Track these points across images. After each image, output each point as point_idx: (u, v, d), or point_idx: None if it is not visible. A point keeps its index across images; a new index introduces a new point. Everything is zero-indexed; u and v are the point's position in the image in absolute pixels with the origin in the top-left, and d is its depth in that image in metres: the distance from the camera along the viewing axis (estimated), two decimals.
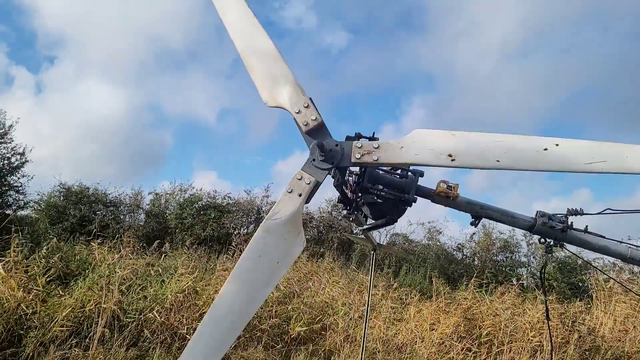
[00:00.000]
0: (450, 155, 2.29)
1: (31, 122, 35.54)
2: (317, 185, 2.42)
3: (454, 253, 19.55)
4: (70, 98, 39.94)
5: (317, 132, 2.46)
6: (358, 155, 2.39)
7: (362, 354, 5.50)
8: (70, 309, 6.84)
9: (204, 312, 7.86)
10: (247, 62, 2.57)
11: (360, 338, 7.81)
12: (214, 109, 48.43)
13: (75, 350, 6.43)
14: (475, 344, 8.66)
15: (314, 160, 2.41)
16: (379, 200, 2.86)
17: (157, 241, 11.97)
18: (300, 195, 2.37)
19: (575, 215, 2.75)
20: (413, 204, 2.78)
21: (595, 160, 2.20)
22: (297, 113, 2.44)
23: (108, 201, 18.27)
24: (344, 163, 2.43)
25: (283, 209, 2.35)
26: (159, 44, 45.32)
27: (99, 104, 40.16)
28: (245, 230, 18.83)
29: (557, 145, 2.25)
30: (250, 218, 19.19)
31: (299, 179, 2.39)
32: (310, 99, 2.47)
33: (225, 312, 2.25)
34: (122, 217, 18.44)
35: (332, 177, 2.60)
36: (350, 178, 2.90)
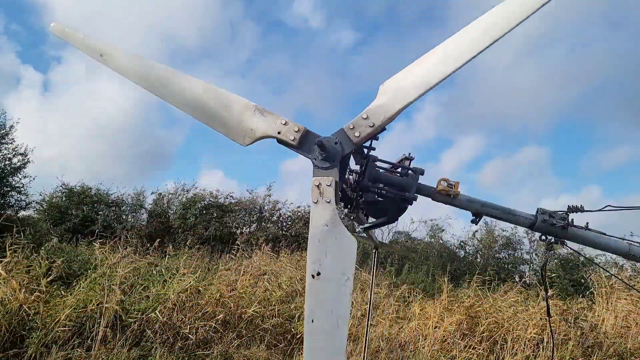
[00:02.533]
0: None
1: (39, 121, 35.66)
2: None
3: (457, 251, 19.55)
4: (79, 97, 39.99)
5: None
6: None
7: (364, 353, 5.50)
8: (72, 309, 6.85)
9: (206, 312, 7.89)
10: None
11: (363, 336, 7.82)
12: None
13: (77, 351, 6.44)
14: (477, 341, 8.66)
15: (319, 164, 2.42)
16: (379, 199, 2.85)
17: (158, 240, 11.98)
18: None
19: (576, 213, 2.74)
20: (414, 202, 2.78)
21: None
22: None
23: (110, 201, 18.30)
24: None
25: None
26: (173, 42, 45.25)
27: (109, 103, 40.24)
28: (248, 229, 18.86)
29: None
30: (253, 217, 19.22)
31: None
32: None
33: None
34: (124, 217, 18.47)
35: None
36: (350, 177, 2.89)
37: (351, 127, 2.44)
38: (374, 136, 2.50)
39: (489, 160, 46.40)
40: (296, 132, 2.44)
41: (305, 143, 2.45)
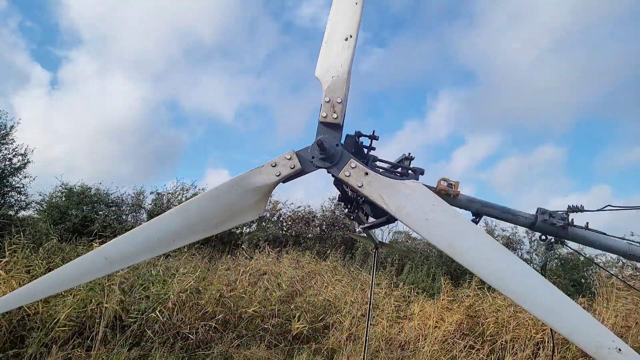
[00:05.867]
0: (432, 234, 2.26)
1: (47, 120, 35.57)
2: (300, 173, 2.40)
3: None
4: (88, 95, 39.81)
5: (329, 129, 2.42)
6: (347, 174, 2.37)
7: (364, 352, 5.51)
8: (72, 309, 6.85)
9: (206, 312, 7.89)
10: (328, 32, 2.51)
11: (363, 336, 7.82)
12: (238, 106, 48.00)
13: (77, 351, 6.44)
14: (478, 341, 8.66)
15: (312, 151, 2.39)
16: None
17: None
18: (279, 174, 2.35)
19: (577, 212, 2.73)
20: None
21: None
22: (327, 102, 2.40)
23: (110, 201, 18.28)
24: (335, 172, 2.40)
25: (259, 176, 2.35)
26: (190, 40, 44.80)
27: (121, 102, 40.10)
28: (248, 229, 18.88)
29: None
30: None
31: (288, 159, 2.37)
32: (346, 99, 2.42)
33: (155, 231, 2.24)
34: (124, 217, 18.45)
35: (333, 176, 2.58)
36: None
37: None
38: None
39: (503, 159, 46.25)
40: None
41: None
